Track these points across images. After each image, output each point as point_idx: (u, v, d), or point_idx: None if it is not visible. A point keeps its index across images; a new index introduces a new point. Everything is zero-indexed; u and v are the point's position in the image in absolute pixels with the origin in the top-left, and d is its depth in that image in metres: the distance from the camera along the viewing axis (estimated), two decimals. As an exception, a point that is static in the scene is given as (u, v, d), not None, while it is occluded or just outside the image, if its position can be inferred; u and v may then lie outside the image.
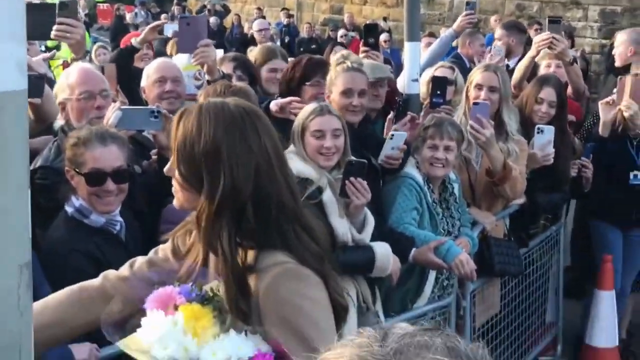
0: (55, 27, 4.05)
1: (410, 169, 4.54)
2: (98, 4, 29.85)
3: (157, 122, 3.74)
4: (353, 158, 3.94)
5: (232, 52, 5.83)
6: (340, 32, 19.34)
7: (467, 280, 4.44)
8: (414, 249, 4.24)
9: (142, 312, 2.03)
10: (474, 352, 1.14)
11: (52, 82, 4.40)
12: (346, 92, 4.43)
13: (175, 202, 2.28)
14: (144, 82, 4.63)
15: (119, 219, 3.45)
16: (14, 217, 1.51)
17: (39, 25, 4.03)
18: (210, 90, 4.10)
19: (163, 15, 16.02)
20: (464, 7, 6.56)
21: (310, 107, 4.05)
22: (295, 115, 4.71)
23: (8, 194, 1.49)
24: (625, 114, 5.48)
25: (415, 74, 5.41)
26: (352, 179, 3.82)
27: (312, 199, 3.86)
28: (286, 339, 2.02)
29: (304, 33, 21.13)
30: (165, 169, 2.27)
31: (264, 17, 19.69)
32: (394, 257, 4.02)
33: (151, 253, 2.51)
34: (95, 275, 2.53)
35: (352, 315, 3.89)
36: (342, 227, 3.89)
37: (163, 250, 2.46)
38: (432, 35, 11.64)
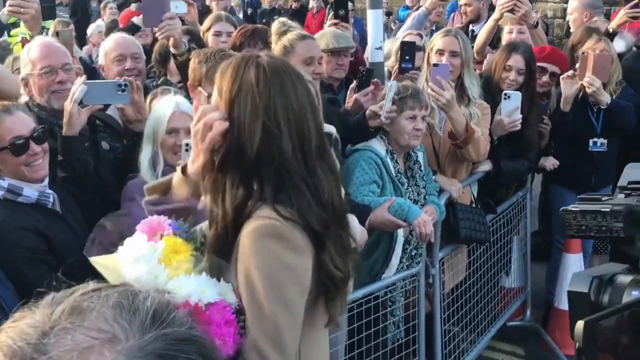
0: (8, 2, 3.92)
1: (372, 140, 4.47)
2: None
3: (124, 95, 3.66)
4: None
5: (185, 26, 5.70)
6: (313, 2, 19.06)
7: (423, 242, 4.40)
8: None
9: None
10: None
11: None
12: (308, 62, 4.37)
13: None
14: (101, 60, 4.52)
15: (50, 191, 3.37)
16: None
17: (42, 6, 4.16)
18: (201, 52, 4.02)
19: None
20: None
21: None
22: None
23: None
24: (588, 90, 5.46)
25: (378, 41, 5.35)
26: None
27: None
28: (243, 291, 2.02)
29: (265, 4, 20.90)
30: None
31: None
32: (362, 228, 3.97)
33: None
34: (48, 252, 2.47)
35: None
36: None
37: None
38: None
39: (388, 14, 17.54)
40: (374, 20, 5.33)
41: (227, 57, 3.96)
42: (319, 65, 4.45)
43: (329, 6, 17.91)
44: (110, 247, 2.18)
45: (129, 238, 2.03)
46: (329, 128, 4.11)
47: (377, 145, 4.45)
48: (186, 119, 3.48)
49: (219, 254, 2.12)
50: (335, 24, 5.29)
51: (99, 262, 2.03)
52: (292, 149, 2.12)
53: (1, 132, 3.23)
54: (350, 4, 15.50)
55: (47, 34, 4.13)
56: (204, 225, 2.14)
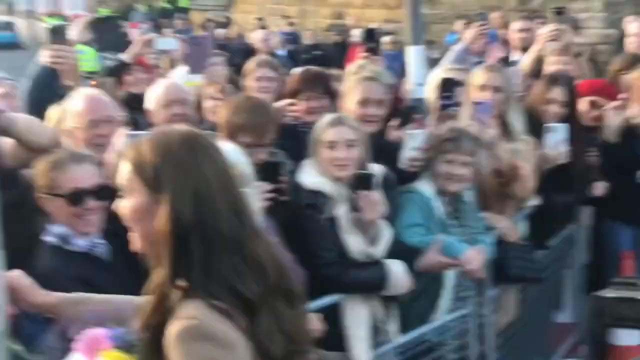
0: (47, 53, 3.96)
1: (419, 181, 4.42)
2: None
3: None
4: (360, 170, 3.83)
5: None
6: (355, 31, 19.01)
7: (474, 277, 4.31)
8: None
9: None
10: None
11: None
12: (363, 102, 4.33)
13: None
14: (150, 105, 4.50)
15: (101, 240, 3.35)
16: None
17: (107, 38, 4.07)
18: (231, 102, 4.00)
19: (168, 30, 15.95)
20: (478, 18, 6.42)
21: (325, 118, 3.97)
22: (291, 119, 4.67)
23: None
24: (637, 120, 5.31)
25: (420, 78, 5.30)
26: (360, 191, 3.72)
27: (324, 213, 3.78)
28: None
29: (307, 40, 20.98)
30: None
31: (264, 27, 19.55)
32: (407, 275, 3.91)
33: None
34: None
35: (364, 337, 3.79)
36: (353, 244, 3.79)
37: None
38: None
39: (429, 42, 17.46)
40: (415, 56, 5.29)
41: (257, 104, 4.00)
42: (376, 107, 4.41)
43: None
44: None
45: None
46: (378, 168, 4.07)
47: (425, 186, 4.38)
48: None
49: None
50: (366, 57, 5.24)
51: None
52: (227, 216, 1.97)
53: (63, 179, 3.24)
54: (391, 37, 15.52)
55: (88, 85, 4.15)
56: None
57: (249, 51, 13.63)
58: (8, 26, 39.51)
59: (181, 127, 2.18)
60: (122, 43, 4.64)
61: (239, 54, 18.78)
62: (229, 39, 22.23)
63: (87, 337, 1.94)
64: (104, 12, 31.29)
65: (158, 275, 1.97)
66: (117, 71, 5.34)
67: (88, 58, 14.33)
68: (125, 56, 5.34)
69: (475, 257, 4.16)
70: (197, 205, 1.94)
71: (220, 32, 22.21)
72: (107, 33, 4.33)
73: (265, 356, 1.96)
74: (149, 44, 5.27)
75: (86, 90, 4.00)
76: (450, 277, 4.35)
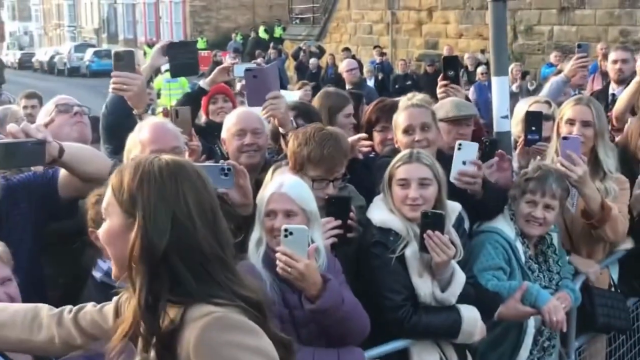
0: (112, 80, 3.89)
1: (500, 221, 4.15)
2: (200, 51, 30.65)
3: (227, 180, 3.48)
4: (429, 210, 3.59)
5: (293, 100, 5.49)
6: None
7: (555, 330, 4.02)
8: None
9: None
10: None
11: None
12: (407, 129, 4.13)
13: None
14: (224, 134, 4.39)
15: None
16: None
17: (182, 63, 4.22)
18: (300, 133, 3.84)
19: (259, 60, 16.04)
20: (575, 50, 6.06)
21: (401, 154, 3.76)
22: (363, 154, 4.46)
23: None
24: None
25: (504, 110, 5.01)
26: (429, 232, 3.48)
27: (393, 252, 3.56)
28: None
29: (398, 70, 20.88)
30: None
31: (353, 57, 19.54)
32: (482, 324, 3.64)
33: (99, 307, 2.36)
34: None
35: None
36: (423, 286, 3.56)
37: (108, 310, 2.30)
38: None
39: (524, 73, 17.08)
40: (499, 87, 5.00)
41: (327, 136, 3.82)
42: (421, 132, 4.15)
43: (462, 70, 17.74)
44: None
45: None
46: (454, 205, 3.82)
47: (506, 227, 4.11)
48: (285, 201, 3.29)
49: None
50: (445, 85, 5.00)
51: None
52: (208, 242, 1.96)
53: None
54: (484, 67, 15.13)
55: (152, 111, 4.06)
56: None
57: (340, 80, 13.60)
58: (109, 54, 40.95)
59: (166, 154, 2.14)
60: (196, 69, 4.52)
61: (329, 82, 18.90)
62: (321, 69, 22.40)
63: None
64: (202, 43, 32.07)
65: (134, 298, 1.94)
66: (195, 98, 5.25)
67: (179, 86, 14.58)
68: (203, 83, 5.26)
69: (558, 308, 3.88)
70: (175, 228, 1.93)
71: (312, 61, 22.42)
72: (181, 58, 4.28)
73: (281, 344, 2.00)
74: (227, 71, 5.15)
75: (153, 120, 3.91)
76: (531, 325, 4.06)
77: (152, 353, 1.91)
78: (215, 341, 1.85)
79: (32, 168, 3.51)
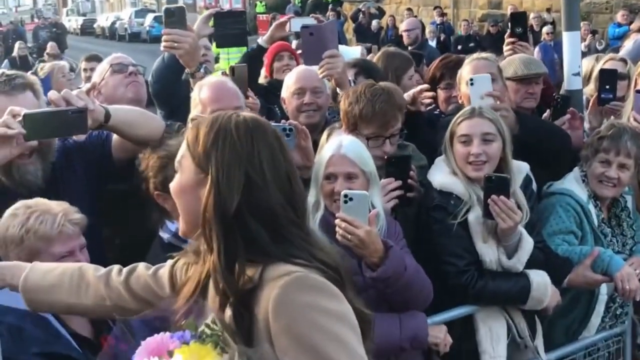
0: (163, 37, 3.78)
1: (572, 183, 3.96)
2: (258, 15, 30.57)
3: (288, 140, 3.33)
4: (493, 173, 3.41)
5: (353, 57, 5.31)
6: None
7: (627, 299, 3.86)
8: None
9: None
10: None
11: None
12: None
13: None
14: (284, 93, 4.30)
15: None
16: None
17: (229, 33, 4.12)
18: (350, 91, 3.70)
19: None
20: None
21: (462, 110, 3.57)
22: (426, 106, 4.29)
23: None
24: None
25: (576, 67, 4.78)
26: (494, 197, 3.29)
27: (455, 217, 3.39)
28: None
29: (460, 31, 20.45)
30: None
31: (415, 17, 19.14)
32: (554, 289, 3.47)
33: (152, 271, 2.33)
34: None
35: (501, 354, 3.39)
36: (488, 252, 3.39)
37: (162, 276, 2.28)
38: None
39: (593, 32, 16.57)
40: (570, 43, 4.76)
41: (378, 91, 3.67)
42: None
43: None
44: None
45: None
46: (521, 165, 3.64)
47: (578, 188, 3.92)
48: (346, 163, 3.15)
49: (243, 341, 1.81)
50: (512, 42, 4.76)
51: None
52: (281, 205, 1.89)
53: None
54: (550, 26, 14.72)
55: (205, 70, 3.94)
56: (209, 319, 1.86)
57: (400, 42, 13.33)
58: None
59: (245, 112, 2.09)
60: (244, 41, 4.38)
61: (390, 44, 18.60)
62: (381, 30, 22.10)
63: (147, 345, 1.81)
64: (260, 7, 31.94)
65: (209, 257, 1.89)
66: (254, 57, 5.11)
67: (238, 50, 14.47)
68: (261, 41, 5.13)
69: (632, 275, 3.70)
70: (247, 188, 1.87)
71: (374, 23, 22.15)
72: (227, 28, 4.13)
73: (359, 316, 1.89)
74: (285, 26, 5.00)
75: (214, 79, 3.80)
76: (604, 291, 3.92)
77: (228, 312, 1.84)
78: (296, 302, 1.77)
79: (75, 137, 3.43)
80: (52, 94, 3.02)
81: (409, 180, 3.55)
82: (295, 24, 4.85)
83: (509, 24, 5.10)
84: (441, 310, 3.38)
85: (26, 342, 2.54)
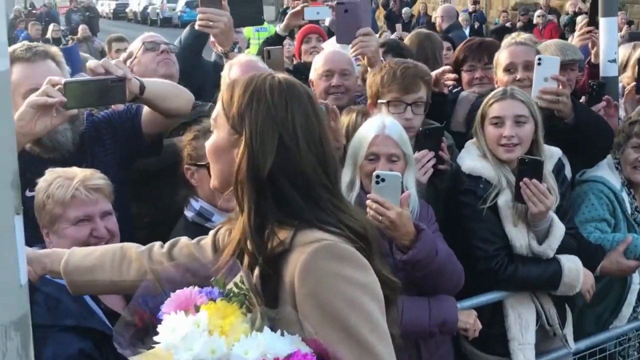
0: (198, 16, 3.77)
1: (605, 170, 3.89)
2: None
3: None
4: (526, 156, 3.35)
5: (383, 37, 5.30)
6: (538, 12, 18.33)
7: None
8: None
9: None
10: None
11: None
12: (508, 67, 3.92)
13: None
14: (312, 75, 4.27)
15: None
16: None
17: (241, 12, 4.03)
18: (378, 67, 3.68)
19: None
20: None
21: (494, 91, 3.52)
22: (449, 87, 4.31)
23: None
24: None
25: (612, 54, 4.69)
26: (526, 180, 3.24)
27: (484, 201, 3.35)
28: (326, 331, 1.71)
29: (498, 19, 20.26)
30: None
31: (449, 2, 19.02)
32: (587, 272, 3.41)
33: (195, 241, 2.35)
34: None
35: (530, 342, 3.35)
36: (519, 237, 3.34)
37: (205, 243, 2.30)
38: None
39: (629, 23, 16.33)
40: (607, 29, 4.67)
41: (402, 61, 3.63)
42: (523, 71, 3.94)
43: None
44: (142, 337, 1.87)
45: (161, 324, 1.74)
46: (553, 150, 3.58)
47: (611, 176, 3.86)
48: (390, 144, 3.11)
49: (267, 302, 1.80)
50: (589, 32, 4.69)
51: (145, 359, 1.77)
52: (313, 169, 1.88)
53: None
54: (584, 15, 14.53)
55: (239, 49, 3.92)
56: (237, 278, 1.83)
57: (432, 29, 13.22)
58: (200, 5, 41.21)
59: (280, 73, 2.05)
60: (259, 20, 4.35)
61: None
62: (412, 17, 21.96)
63: (175, 298, 1.80)
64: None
65: (242, 217, 1.89)
66: (273, 45, 5.11)
67: (268, 34, 14.47)
68: (278, 29, 5.14)
69: None
70: (280, 150, 1.87)
71: (404, 10, 22.00)
72: (240, 8, 4.10)
73: (386, 284, 1.90)
74: (300, 15, 4.99)
75: (243, 57, 3.78)
76: (636, 280, 3.87)
77: (257, 272, 1.85)
78: (322, 269, 1.76)
79: (113, 106, 3.43)
80: (92, 63, 3.01)
81: (440, 152, 3.52)
82: (309, 12, 4.84)
83: (588, 12, 5.01)
84: (470, 296, 3.34)
85: (61, 314, 2.55)
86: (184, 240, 2.36)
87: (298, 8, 5.00)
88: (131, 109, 3.36)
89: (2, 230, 1.14)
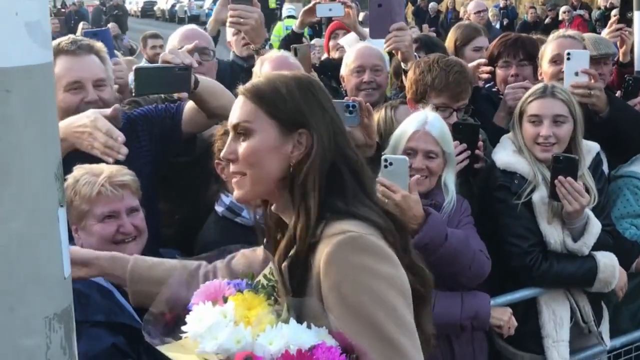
0: (229, 13, 3.77)
1: (638, 165, 3.82)
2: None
3: (352, 117, 3.30)
4: (561, 153, 3.31)
5: (417, 32, 5.25)
6: (564, 8, 18.20)
7: None
8: None
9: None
10: None
11: None
12: (554, 59, 3.91)
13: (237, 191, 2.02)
14: (343, 70, 4.26)
15: None
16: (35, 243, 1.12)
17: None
18: (421, 61, 3.65)
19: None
20: None
21: (534, 87, 3.50)
22: (484, 80, 4.32)
23: (22, 213, 1.10)
24: None
25: (644, 47, 4.64)
26: (561, 178, 3.20)
27: (519, 197, 3.31)
28: (348, 323, 1.69)
29: (527, 16, 20.07)
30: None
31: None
32: (621, 269, 3.36)
33: (249, 250, 2.32)
34: None
35: (564, 339, 3.31)
36: (553, 234, 3.30)
37: (259, 252, 2.27)
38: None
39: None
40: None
41: (452, 62, 3.59)
42: None
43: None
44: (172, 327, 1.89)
45: (189, 315, 1.75)
46: (591, 146, 3.54)
47: (644, 170, 3.80)
48: (429, 140, 3.10)
49: (294, 292, 1.79)
50: (620, 29, 4.63)
51: (171, 351, 1.80)
52: (354, 156, 1.94)
53: None
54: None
55: (270, 46, 3.91)
56: (266, 270, 1.85)
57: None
58: (228, 2, 41.30)
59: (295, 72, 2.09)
60: (270, 20, 4.35)
61: (449, 27, 18.39)
62: (440, 13, 21.87)
63: (205, 289, 1.83)
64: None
65: (299, 216, 1.86)
66: (291, 43, 5.10)
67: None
68: (294, 27, 5.13)
69: None
70: (335, 141, 1.90)
71: (431, 5, 21.90)
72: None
73: (417, 280, 1.91)
74: (313, 12, 4.97)
75: (275, 53, 3.78)
76: (672, 277, 3.78)
77: (286, 262, 1.84)
78: (347, 261, 1.74)
79: (176, 95, 3.44)
80: (166, 55, 3.03)
81: (476, 151, 3.49)
82: (321, 9, 4.82)
83: (619, 8, 4.95)
84: (504, 292, 3.32)
85: (91, 309, 2.55)
86: (243, 251, 2.33)
87: (310, 5, 4.97)
88: (171, 107, 3.36)
89: (46, 222, 1.14)
